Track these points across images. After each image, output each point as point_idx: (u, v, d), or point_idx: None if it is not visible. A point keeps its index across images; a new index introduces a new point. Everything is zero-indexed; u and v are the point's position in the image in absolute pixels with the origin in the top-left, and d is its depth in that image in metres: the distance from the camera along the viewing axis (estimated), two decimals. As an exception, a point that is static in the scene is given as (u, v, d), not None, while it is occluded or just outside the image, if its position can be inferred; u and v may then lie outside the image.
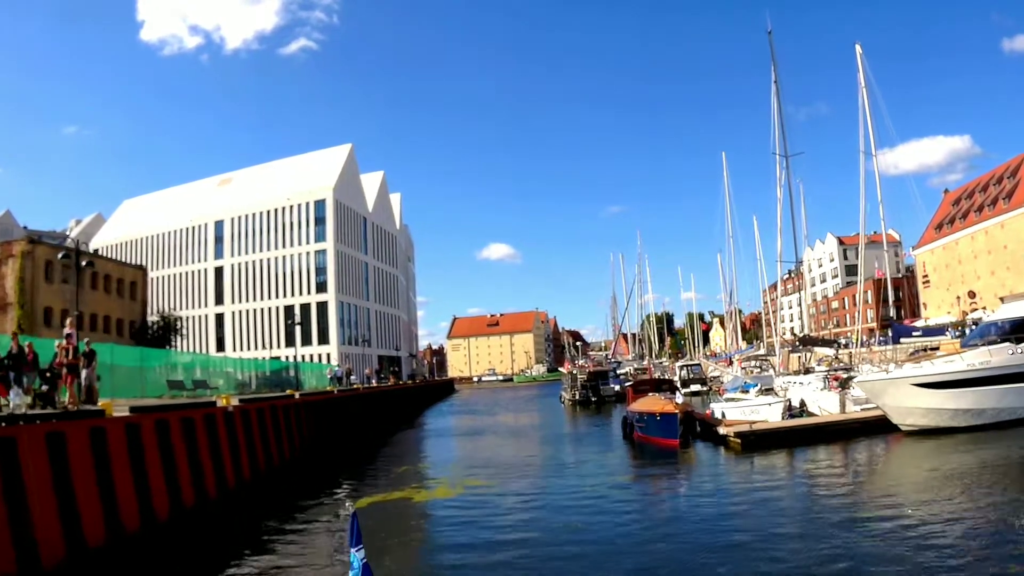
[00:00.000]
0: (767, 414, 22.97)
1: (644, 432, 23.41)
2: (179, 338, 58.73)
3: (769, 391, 25.29)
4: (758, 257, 67.13)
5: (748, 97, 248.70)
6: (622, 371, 63.02)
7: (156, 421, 14.57)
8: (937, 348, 27.54)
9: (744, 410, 23.88)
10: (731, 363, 61.27)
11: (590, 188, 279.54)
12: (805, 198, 33.32)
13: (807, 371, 28.70)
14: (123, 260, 60.26)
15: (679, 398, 22.71)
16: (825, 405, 23.99)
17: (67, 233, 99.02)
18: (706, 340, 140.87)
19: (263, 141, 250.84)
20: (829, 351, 29.41)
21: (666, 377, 41.05)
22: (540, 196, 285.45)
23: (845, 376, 22.71)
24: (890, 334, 31.05)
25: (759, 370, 45.73)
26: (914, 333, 28.36)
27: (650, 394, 26.88)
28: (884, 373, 20.40)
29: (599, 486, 16.33)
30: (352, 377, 56.48)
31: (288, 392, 25.05)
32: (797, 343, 31.68)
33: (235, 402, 19.09)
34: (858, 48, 34.96)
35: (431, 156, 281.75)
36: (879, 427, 21.16)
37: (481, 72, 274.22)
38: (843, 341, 32.77)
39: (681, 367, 54.35)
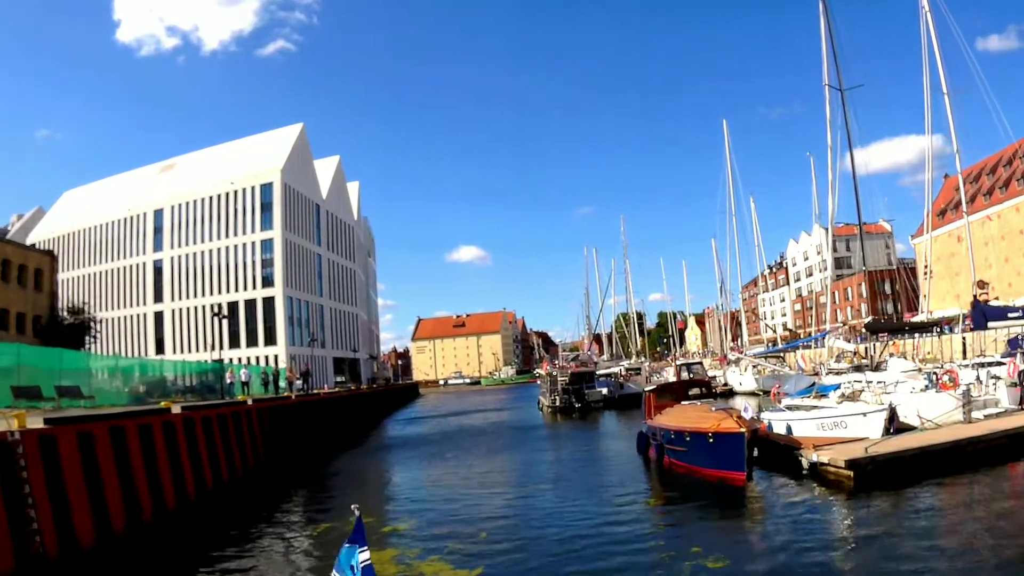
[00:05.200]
0: (860, 428, 15.83)
1: (683, 459, 16.03)
2: (92, 337, 49.78)
3: (855, 396, 18.07)
4: (756, 243, 61.18)
5: (727, 101, 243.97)
6: (606, 372, 56.06)
7: None
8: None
9: (823, 423, 16.65)
10: (727, 361, 54.97)
11: (560, 189, 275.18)
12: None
13: (876, 367, 21.80)
14: (60, 256, 50.75)
15: (747, 411, 14.83)
16: (929, 414, 17.01)
17: (8, 228, 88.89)
18: (682, 340, 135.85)
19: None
20: (921, 336, 22.73)
21: (708, 377, 33.44)
22: (510, 198, 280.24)
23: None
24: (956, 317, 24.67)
25: (776, 369, 39.25)
26: (1010, 315, 21.66)
27: (683, 402, 19.48)
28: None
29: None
30: (298, 382, 48.48)
31: (163, 405, 17.06)
32: (864, 330, 24.80)
33: (39, 423, 11.19)
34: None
35: (404, 161, 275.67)
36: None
37: (461, 75, 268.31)
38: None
39: (680, 366, 47.47)
